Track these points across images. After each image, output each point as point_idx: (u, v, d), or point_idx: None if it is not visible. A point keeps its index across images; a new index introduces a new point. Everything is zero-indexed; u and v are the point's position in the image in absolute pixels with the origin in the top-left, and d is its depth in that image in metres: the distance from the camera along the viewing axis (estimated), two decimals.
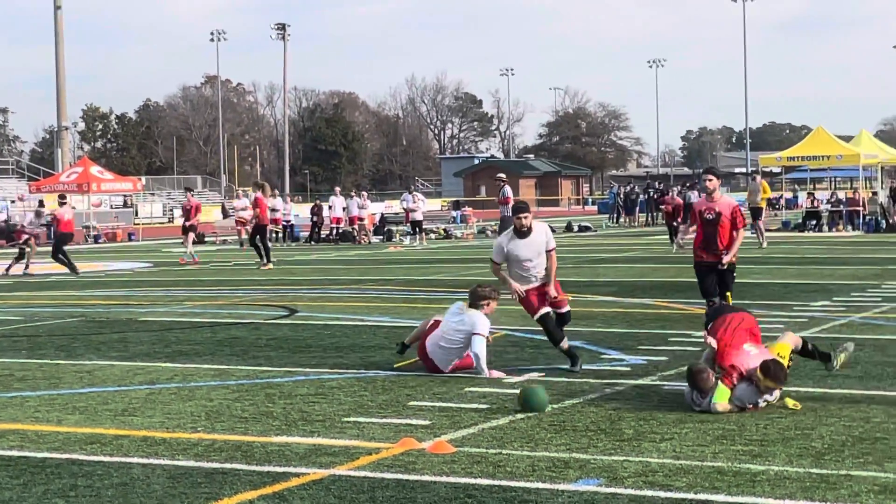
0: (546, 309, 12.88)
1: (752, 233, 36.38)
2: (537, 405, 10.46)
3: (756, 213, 38.63)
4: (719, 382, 10.45)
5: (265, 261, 31.67)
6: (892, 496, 7.42)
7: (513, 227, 13.07)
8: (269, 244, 33.74)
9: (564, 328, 13.17)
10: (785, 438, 9.20)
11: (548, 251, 12.96)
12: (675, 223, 37.60)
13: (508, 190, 38.82)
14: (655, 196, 60.95)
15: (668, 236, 38.74)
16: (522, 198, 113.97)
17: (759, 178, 40.38)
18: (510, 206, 35.49)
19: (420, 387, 11.91)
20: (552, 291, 12.93)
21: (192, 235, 37.45)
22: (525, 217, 12.84)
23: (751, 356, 10.57)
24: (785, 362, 10.73)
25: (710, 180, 14.51)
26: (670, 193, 44.53)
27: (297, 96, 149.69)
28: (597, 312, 18.58)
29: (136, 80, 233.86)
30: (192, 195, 41.57)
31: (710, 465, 8.36)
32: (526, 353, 14.19)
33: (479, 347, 12.50)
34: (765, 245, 36.00)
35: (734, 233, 14.34)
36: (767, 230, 47.03)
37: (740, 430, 9.52)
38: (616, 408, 10.60)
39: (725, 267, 14.35)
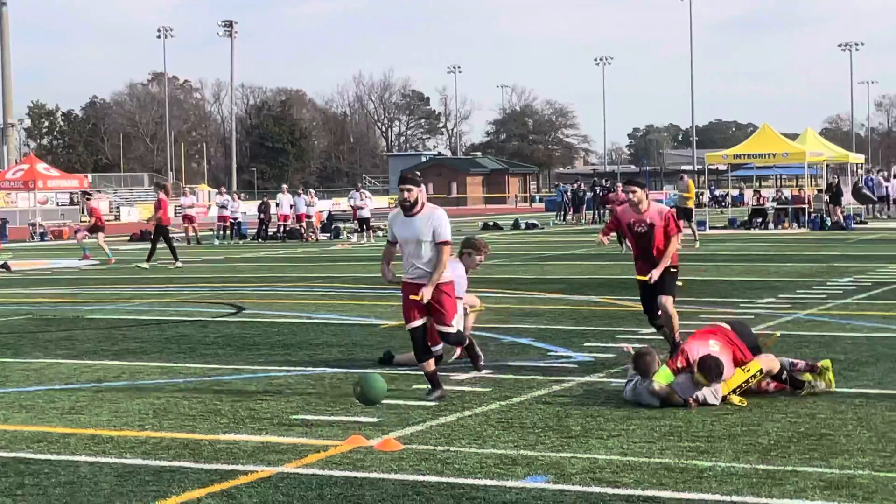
0: (418, 322, 11.13)
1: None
2: (374, 396, 10.20)
3: (687, 213, 38.05)
4: (665, 364, 10.55)
5: (175, 258, 31.49)
6: (837, 492, 7.50)
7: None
8: (174, 244, 33.21)
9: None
10: (732, 435, 9.26)
11: (436, 243, 11.05)
12: None
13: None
14: (602, 194, 61.18)
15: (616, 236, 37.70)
16: (470, 196, 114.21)
17: (686, 178, 40.30)
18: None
19: None
20: (424, 293, 10.99)
21: (101, 235, 36.47)
22: (407, 190, 11.05)
23: (705, 349, 10.60)
24: (745, 376, 10.65)
25: (633, 192, 13.05)
26: (616, 191, 42.06)
27: (244, 93, 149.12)
28: (544, 310, 18.63)
29: (82, 77, 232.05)
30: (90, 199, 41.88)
31: (658, 462, 8.40)
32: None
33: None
34: (697, 245, 35.41)
35: (668, 241, 12.98)
36: (713, 228, 47.43)
37: (687, 427, 9.58)
38: (563, 405, 10.63)
39: (652, 282, 12.94)
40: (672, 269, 13.17)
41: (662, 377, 10.46)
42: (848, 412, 10.02)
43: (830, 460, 8.35)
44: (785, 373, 10.80)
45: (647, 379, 10.54)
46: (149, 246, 32.70)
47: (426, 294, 10.95)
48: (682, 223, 35.75)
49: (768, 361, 10.80)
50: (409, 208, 11.12)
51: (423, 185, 11.57)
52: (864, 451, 8.59)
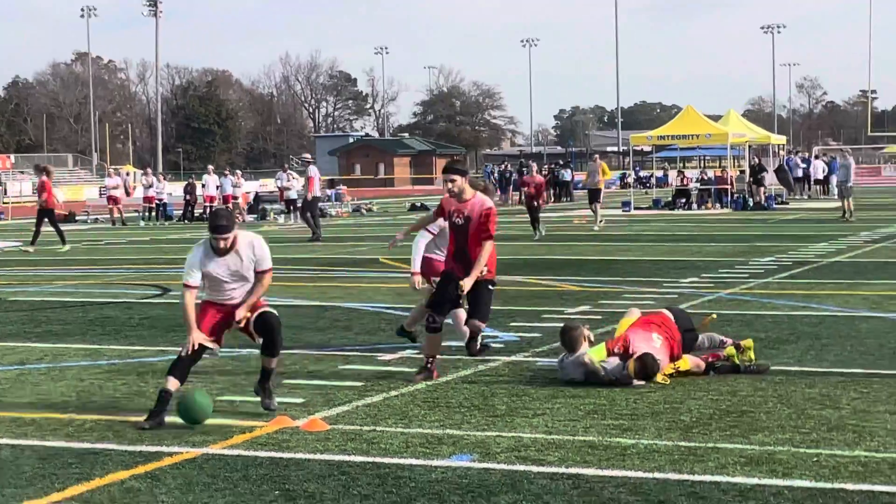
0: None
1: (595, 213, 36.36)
2: (197, 415, 9.14)
3: (595, 194, 37.40)
4: (603, 343, 10.64)
5: (63, 242, 30.88)
6: (757, 467, 7.61)
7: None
8: (61, 227, 32.50)
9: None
10: (654, 413, 9.36)
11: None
12: (535, 204, 32.79)
13: (313, 170, 35.66)
14: (507, 176, 61.47)
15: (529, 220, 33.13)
16: (397, 177, 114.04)
17: (598, 158, 40.13)
18: (314, 188, 34.99)
19: (294, 365, 11.89)
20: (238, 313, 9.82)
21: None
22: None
23: (648, 343, 10.64)
24: (671, 371, 10.73)
25: (452, 181, 11.23)
26: (531, 172, 37.53)
27: (169, 74, 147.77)
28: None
29: (4, 57, 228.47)
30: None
31: (582, 440, 8.48)
32: None
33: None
34: (597, 228, 35.03)
35: (481, 244, 11.19)
36: (638, 208, 47.78)
37: (611, 405, 9.67)
38: (489, 384, 10.69)
39: (463, 293, 11.20)
40: (490, 286, 11.47)
41: (596, 353, 10.55)
42: (769, 389, 10.16)
43: (751, 437, 8.47)
44: (711, 371, 10.91)
45: (572, 353, 10.64)
46: (52, 230, 31.78)
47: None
48: (594, 205, 35.90)
49: (696, 363, 10.91)
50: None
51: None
52: (784, 428, 8.72)
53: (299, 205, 39.10)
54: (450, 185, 11.25)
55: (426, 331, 11.17)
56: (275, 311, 9.80)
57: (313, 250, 28.96)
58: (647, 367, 10.41)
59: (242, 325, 9.75)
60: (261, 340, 9.75)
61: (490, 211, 11.20)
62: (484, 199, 11.33)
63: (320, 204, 40.06)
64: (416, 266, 12.41)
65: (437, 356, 11.15)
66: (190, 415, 9.12)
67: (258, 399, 9.86)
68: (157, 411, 9.23)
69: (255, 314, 9.72)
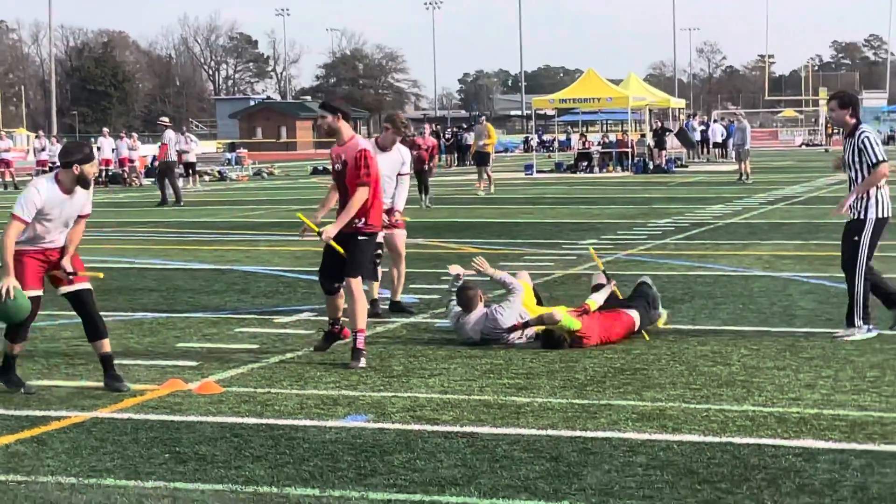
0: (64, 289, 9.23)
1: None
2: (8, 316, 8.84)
3: (482, 158, 36.05)
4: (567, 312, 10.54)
5: None
6: (648, 423, 7.68)
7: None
8: None
9: None
10: (550, 371, 9.42)
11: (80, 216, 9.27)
12: (427, 167, 29.49)
13: (169, 135, 35.01)
14: (410, 138, 61.26)
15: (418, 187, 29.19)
16: (300, 140, 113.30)
17: (484, 121, 39.48)
18: (169, 153, 34.57)
19: (189, 328, 11.77)
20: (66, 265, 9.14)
21: None
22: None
23: (604, 336, 10.54)
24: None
25: (322, 118, 10.38)
26: (424, 134, 32.46)
27: (63, 35, 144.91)
28: None
29: None
30: None
31: (477, 399, 8.50)
32: (298, 293, 14.14)
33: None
34: (482, 192, 34.14)
35: (354, 189, 10.19)
36: (540, 171, 48.00)
37: (507, 365, 9.70)
38: (386, 345, 10.68)
39: (325, 239, 10.33)
40: (362, 237, 10.31)
41: (568, 320, 10.41)
42: (662, 347, 10.27)
43: (643, 394, 8.55)
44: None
45: (467, 313, 10.67)
46: None
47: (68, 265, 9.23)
48: (484, 170, 35.04)
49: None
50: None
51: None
52: (676, 385, 8.82)
53: (181, 169, 38.61)
54: (320, 121, 10.42)
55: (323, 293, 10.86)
56: (90, 288, 9.25)
57: (212, 213, 28.69)
58: (558, 341, 10.37)
59: (60, 277, 9.10)
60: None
61: (363, 153, 10.15)
62: (359, 142, 10.30)
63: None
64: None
65: (340, 317, 10.58)
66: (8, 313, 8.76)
67: (150, 363, 9.72)
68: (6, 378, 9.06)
69: (73, 288, 9.11)
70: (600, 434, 7.45)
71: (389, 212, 12.20)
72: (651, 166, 47.12)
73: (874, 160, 10.60)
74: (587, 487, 6.37)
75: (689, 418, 7.79)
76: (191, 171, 45.57)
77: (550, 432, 7.54)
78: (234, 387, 9.04)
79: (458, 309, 10.89)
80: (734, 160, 43.18)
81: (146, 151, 58.02)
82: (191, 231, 23.45)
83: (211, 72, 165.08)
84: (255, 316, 12.47)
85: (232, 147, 78.54)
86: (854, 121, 10.82)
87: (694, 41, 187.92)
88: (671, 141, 53.26)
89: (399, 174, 12.43)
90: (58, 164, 9.07)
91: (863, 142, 10.69)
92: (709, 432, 7.42)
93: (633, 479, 6.50)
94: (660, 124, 53.09)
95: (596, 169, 48.66)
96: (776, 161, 55.18)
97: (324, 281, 10.54)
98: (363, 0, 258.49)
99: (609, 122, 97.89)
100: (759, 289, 13.74)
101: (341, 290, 10.35)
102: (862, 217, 10.65)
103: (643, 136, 51.68)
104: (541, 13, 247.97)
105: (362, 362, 9.80)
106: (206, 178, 50.28)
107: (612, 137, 56.12)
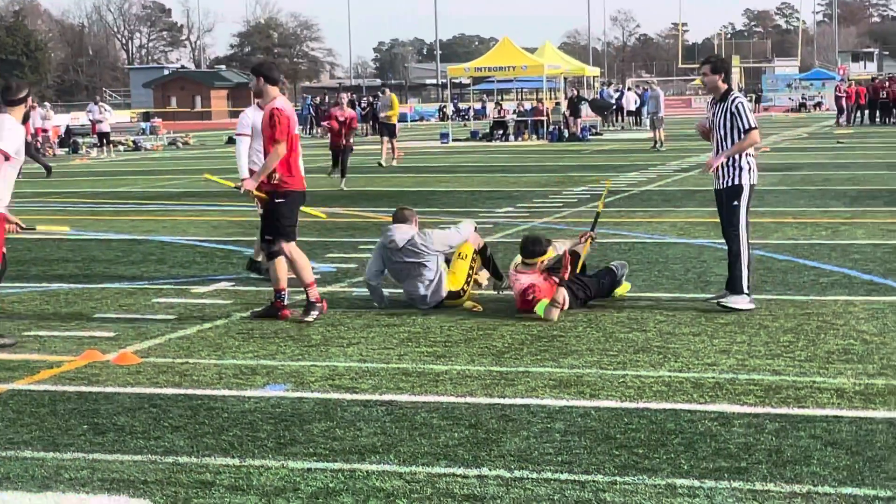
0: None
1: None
2: None
3: (388, 129, 34.51)
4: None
5: None
6: (566, 390, 7.76)
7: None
8: None
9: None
10: (468, 339, 9.47)
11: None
12: (344, 144, 25.72)
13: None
14: (325, 109, 61.12)
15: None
16: (215, 110, 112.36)
17: (388, 91, 38.95)
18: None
19: (106, 299, 11.67)
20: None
21: None
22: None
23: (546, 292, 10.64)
24: (467, 261, 11.06)
25: (255, 80, 10.60)
26: (340, 104, 27.83)
27: None
28: None
29: None
30: None
31: (396, 367, 8.53)
32: (215, 263, 14.06)
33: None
34: (384, 163, 32.69)
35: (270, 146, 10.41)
36: (456, 140, 48.02)
37: (425, 333, 9.74)
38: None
39: (246, 192, 10.65)
40: (279, 199, 10.45)
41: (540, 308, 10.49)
42: (579, 314, 10.36)
43: (561, 360, 8.64)
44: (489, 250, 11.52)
45: (391, 234, 10.82)
46: None
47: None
48: (387, 140, 33.96)
49: (476, 239, 11.41)
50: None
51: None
52: (593, 351, 8.91)
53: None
54: (251, 84, 10.68)
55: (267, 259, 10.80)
56: None
57: (128, 183, 28.40)
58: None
59: None
60: None
61: (274, 111, 10.27)
62: (274, 101, 10.40)
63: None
64: (244, 171, 12.19)
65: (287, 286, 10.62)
66: None
67: (66, 334, 9.63)
68: None
69: None
70: (519, 401, 7.51)
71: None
72: (566, 134, 47.32)
73: (747, 126, 10.64)
74: (506, 454, 6.43)
75: (607, 384, 7.88)
76: (105, 141, 45.10)
77: (469, 399, 7.59)
78: (152, 357, 8.99)
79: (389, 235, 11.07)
80: (648, 128, 43.50)
81: (60, 121, 57.23)
82: (106, 201, 23.20)
83: (124, 41, 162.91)
84: (172, 286, 12.40)
85: (146, 117, 77.81)
86: (726, 86, 10.92)
87: (608, 9, 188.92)
88: (586, 109, 53.55)
89: None
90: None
91: (736, 107, 10.76)
92: (626, 398, 7.52)
93: (551, 445, 6.57)
94: (575, 92, 53.33)
95: (511, 137, 48.78)
96: (690, 129, 55.65)
97: (265, 246, 10.79)
98: None
99: (524, 90, 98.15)
100: (673, 255, 13.90)
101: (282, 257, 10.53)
102: (737, 182, 10.64)
103: (558, 104, 51.85)
104: None
105: (312, 316, 10.26)
106: (121, 147, 49.74)
107: (528, 106, 56.24)
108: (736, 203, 10.65)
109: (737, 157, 10.70)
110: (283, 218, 10.44)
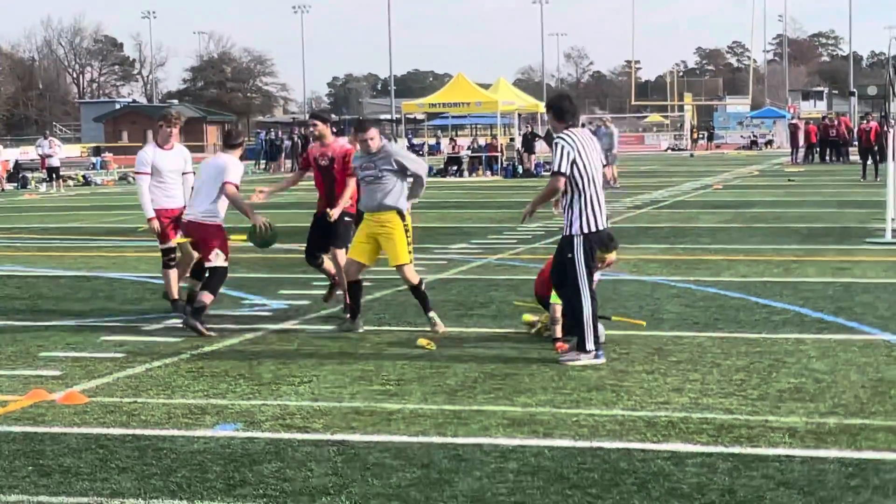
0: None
1: None
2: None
3: None
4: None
5: None
6: (519, 429, 7.71)
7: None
8: None
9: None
10: (421, 377, 9.40)
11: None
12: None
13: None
14: (300, 142, 60.99)
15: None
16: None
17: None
18: None
19: (53, 337, 11.51)
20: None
21: None
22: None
23: None
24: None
25: (315, 126, 12.91)
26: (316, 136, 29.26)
27: None
28: (240, 258, 18.41)
29: None
30: None
31: (348, 406, 8.45)
32: (166, 300, 13.91)
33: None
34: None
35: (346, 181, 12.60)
36: None
37: (378, 371, 9.66)
38: (256, 353, 10.56)
39: (332, 220, 12.61)
40: (348, 217, 12.61)
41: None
42: (532, 352, 10.32)
43: (514, 399, 8.58)
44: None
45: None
46: None
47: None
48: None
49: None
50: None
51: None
52: (546, 389, 8.86)
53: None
54: (311, 127, 13.11)
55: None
56: None
57: (78, 218, 28.16)
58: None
59: None
60: None
61: (348, 152, 12.46)
62: (344, 144, 12.74)
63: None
64: (150, 211, 12.73)
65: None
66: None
67: (12, 373, 9.49)
68: None
69: None
70: (471, 440, 7.45)
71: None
72: (521, 170, 47.45)
73: (555, 169, 9.97)
74: (458, 494, 6.36)
75: (560, 423, 7.83)
76: (55, 176, 44.80)
77: (422, 439, 7.52)
78: (100, 397, 8.86)
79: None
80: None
81: (8, 156, 56.77)
82: (55, 237, 22.99)
83: (75, 75, 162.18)
84: (121, 324, 12.26)
85: (97, 151, 77.43)
86: (562, 124, 10.14)
87: (562, 46, 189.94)
88: (540, 145, 53.72)
89: (183, 172, 13.08)
90: None
91: (554, 146, 10.12)
92: (579, 437, 7.47)
93: (504, 485, 6.51)
94: (529, 129, 53.50)
95: (466, 173, 48.84)
96: (643, 165, 55.97)
97: (310, 259, 13.08)
98: (231, 3, 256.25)
99: (479, 126, 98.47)
100: (627, 292, 13.90)
101: (324, 258, 12.93)
102: (568, 233, 10.04)
103: (512, 140, 52.01)
104: (410, 17, 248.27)
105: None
106: (71, 182, 49.38)
107: (482, 142, 56.38)
108: (570, 255, 10.03)
109: (574, 202, 10.01)
110: (347, 231, 12.49)
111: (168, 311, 12.72)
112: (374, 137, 11.60)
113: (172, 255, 12.76)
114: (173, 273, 12.74)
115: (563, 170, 9.93)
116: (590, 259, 10.04)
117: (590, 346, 9.88)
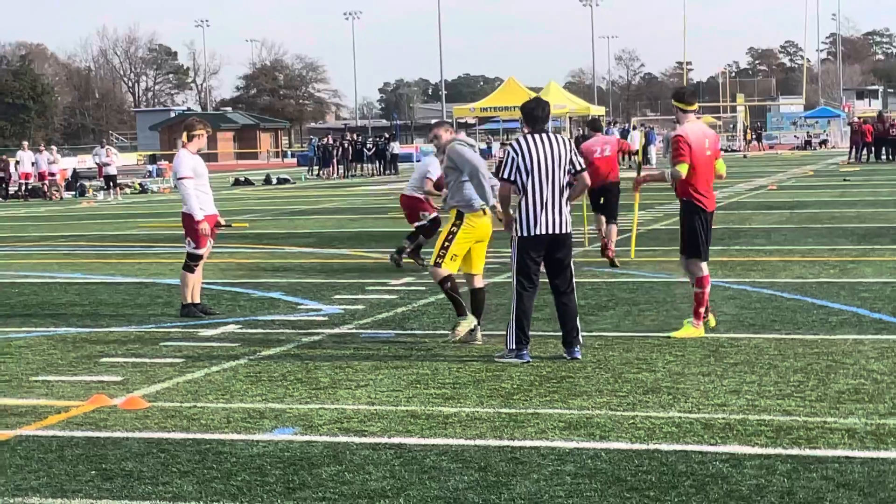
0: None
1: None
2: None
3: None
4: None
5: None
6: (576, 431, 7.72)
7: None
8: None
9: None
10: (476, 381, 9.43)
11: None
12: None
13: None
14: (352, 148, 61.29)
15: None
16: (221, 152, 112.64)
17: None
18: None
19: (114, 343, 11.64)
20: None
21: None
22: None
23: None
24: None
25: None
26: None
27: None
28: (294, 263, 18.58)
29: None
30: None
31: (404, 409, 8.49)
32: (223, 306, 14.03)
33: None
34: None
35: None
36: None
37: (434, 375, 9.70)
38: (312, 357, 10.63)
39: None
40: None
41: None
42: (587, 355, 10.32)
43: (570, 401, 8.60)
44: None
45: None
46: None
47: None
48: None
49: None
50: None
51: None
52: (602, 392, 8.87)
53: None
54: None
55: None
56: None
57: (134, 226, 28.44)
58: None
59: None
60: None
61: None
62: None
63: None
64: (200, 214, 13.29)
65: None
66: None
67: (74, 379, 9.62)
68: None
69: None
70: (528, 443, 7.48)
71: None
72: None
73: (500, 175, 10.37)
74: (516, 497, 6.39)
75: (616, 426, 7.84)
76: (111, 184, 45.25)
77: (478, 442, 7.55)
78: (160, 401, 8.96)
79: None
80: (656, 167, 43.45)
81: (67, 164, 57.40)
82: (113, 244, 23.22)
83: (130, 84, 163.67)
84: (180, 329, 12.38)
85: (153, 159, 77.99)
86: (528, 130, 10.51)
87: (613, 49, 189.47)
88: None
89: None
90: None
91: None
92: (636, 440, 7.48)
93: (561, 488, 6.53)
94: (581, 132, 53.40)
95: None
96: None
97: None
98: (283, 11, 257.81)
99: None
100: (681, 295, 13.86)
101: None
102: (512, 235, 10.43)
103: None
104: (460, 22, 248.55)
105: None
106: (128, 190, 49.85)
107: None
108: (511, 254, 10.51)
109: (519, 204, 10.32)
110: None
111: (225, 315, 12.82)
112: (440, 135, 11.72)
113: (199, 261, 13.35)
114: (193, 278, 13.24)
115: (506, 175, 10.31)
116: (523, 261, 10.35)
117: (512, 344, 10.18)
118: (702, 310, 11.19)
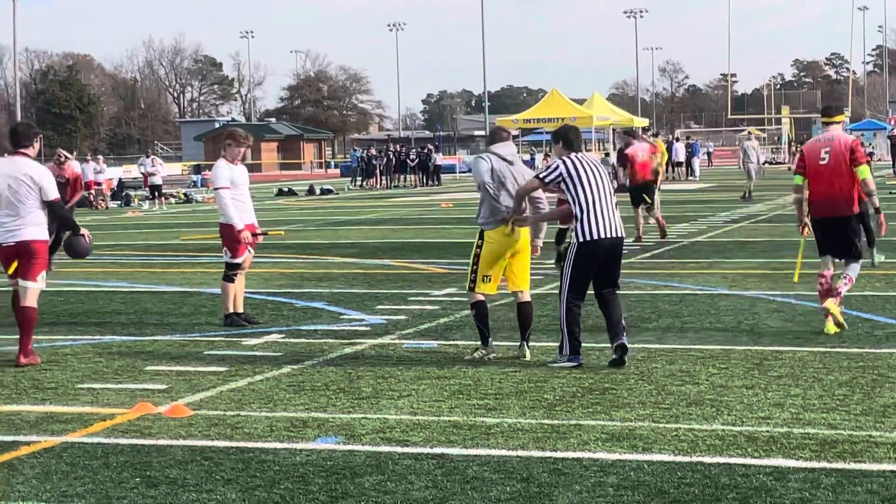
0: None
1: None
2: None
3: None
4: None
5: None
6: (618, 443, 7.71)
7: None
8: None
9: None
10: (519, 392, 9.43)
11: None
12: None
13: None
14: (395, 159, 61.44)
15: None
16: (265, 162, 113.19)
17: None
18: None
19: (158, 351, 11.73)
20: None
21: None
22: None
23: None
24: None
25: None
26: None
27: (28, 58, 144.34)
28: (337, 273, 18.63)
29: None
30: None
31: (447, 420, 8.50)
32: (266, 315, 14.10)
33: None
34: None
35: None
36: None
37: (476, 385, 9.71)
38: (355, 367, 10.66)
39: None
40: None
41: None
42: (630, 366, 10.30)
43: (613, 413, 8.58)
44: None
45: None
46: None
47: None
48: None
49: None
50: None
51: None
52: (645, 404, 8.85)
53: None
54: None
55: None
56: None
57: (179, 236, 28.61)
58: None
59: None
60: None
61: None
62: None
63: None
64: (240, 224, 13.34)
65: None
66: None
67: (119, 386, 9.69)
68: None
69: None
70: (570, 454, 7.47)
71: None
72: (615, 185, 47.25)
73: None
74: None
75: (659, 438, 7.82)
76: (157, 194, 45.56)
77: (521, 453, 7.55)
78: (204, 410, 9.01)
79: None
80: (698, 179, 43.29)
81: (112, 174, 57.85)
82: (158, 254, 23.38)
83: (176, 94, 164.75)
84: (223, 338, 12.45)
85: (197, 169, 78.49)
86: (567, 151, 10.84)
87: (657, 60, 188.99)
88: None
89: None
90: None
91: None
92: (679, 452, 7.45)
93: (604, 499, 6.52)
94: (624, 144, 53.26)
95: None
96: (740, 179, 55.40)
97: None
98: (327, 22, 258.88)
99: None
100: (725, 307, 13.81)
101: None
102: (572, 241, 10.62)
103: (607, 155, 51.87)
104: (503, 34, 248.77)
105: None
106: (173, 200, 50.18)
107: None
108: (564, 263, 10.77)
109: (577, 211, 10.49)
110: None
111: (268, 325, 12.88)
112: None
113: (238, 270, 13.37)
114: (233, 287, 13.31)
115: (541, 176, 10.83)
116: (579, 269, 10.43)
117: (566, 350, 10.46)
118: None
